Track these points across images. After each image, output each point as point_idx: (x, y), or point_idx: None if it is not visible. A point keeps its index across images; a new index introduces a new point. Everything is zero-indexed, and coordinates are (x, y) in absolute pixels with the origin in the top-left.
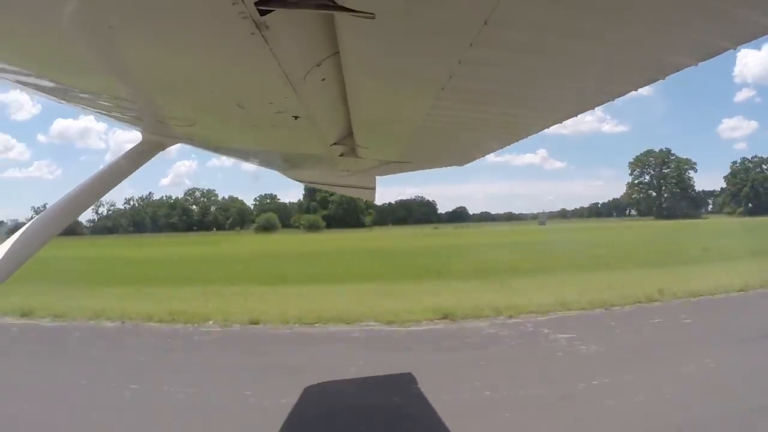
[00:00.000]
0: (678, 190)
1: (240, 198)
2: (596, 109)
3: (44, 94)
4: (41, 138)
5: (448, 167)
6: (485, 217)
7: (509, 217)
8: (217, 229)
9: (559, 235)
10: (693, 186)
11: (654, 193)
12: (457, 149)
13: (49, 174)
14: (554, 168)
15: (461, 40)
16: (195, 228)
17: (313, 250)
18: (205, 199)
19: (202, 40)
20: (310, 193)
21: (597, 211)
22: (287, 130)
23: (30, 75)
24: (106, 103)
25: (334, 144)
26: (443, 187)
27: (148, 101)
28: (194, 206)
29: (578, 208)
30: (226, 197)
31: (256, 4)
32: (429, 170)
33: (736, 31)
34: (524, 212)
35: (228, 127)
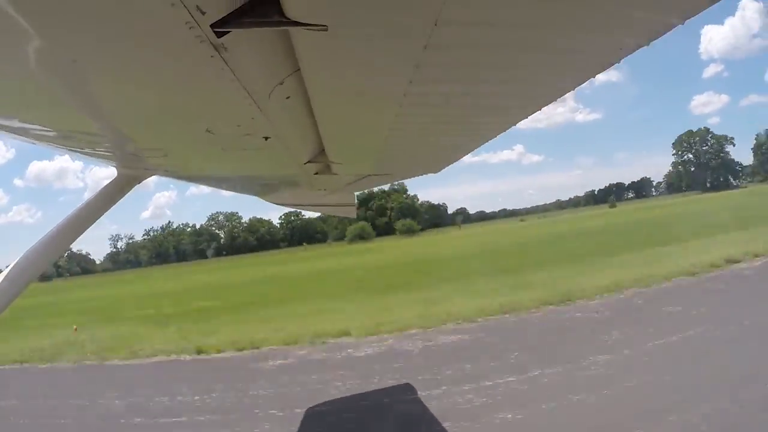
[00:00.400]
0: (717, 165)
1: (266, 218)
2: (568, 99)
3: (15, 135)
4: (18, 182)
5: (425, 175)
6: (483, 216)
7: (506, 214)
8: (248, 252)
9: (673, 209)
10: (731, 159)
11: (693, 169)
12: (429, 155)
13: (29, 218)
14: (531, 162)
15: (414, 43)
16: (225, 253)
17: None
18: (230, 223)
19: (163, 68)
20: (364, 202)
21: (594, 198)
22: (259, 152)
23: None
24: (78, 140)
25: (308, 162)
26: (424, 192)
27: (118, 135)
28: (219, 231)
29: (573, 197)
30: (249, 218)
31: (212, 26)
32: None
33: (681, 5)
34: (517, 207)
35: (200, 155)
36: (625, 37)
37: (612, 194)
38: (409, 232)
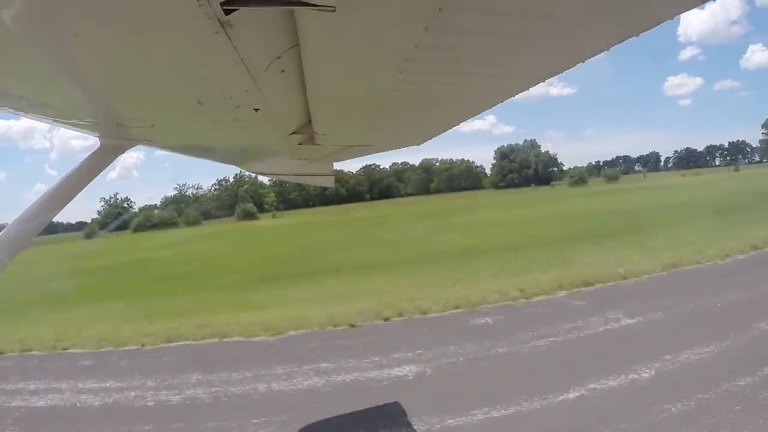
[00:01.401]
0: None
1: (346, 170)
2: None
3: None
4: None
5: (407, 147)
6: None
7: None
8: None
9: None
10: None
11: None
12: (415, 129)
13: None
14: (503, 133)
15: (417, 25)
16: (311, 203)
17: None
18: None
19: (164, 40)
20: (505, 156)
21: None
22: (247, 124)
23: None
24: (61, 110)
25: (293, 133)
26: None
27: (107, 106)
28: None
29: (572, 167)
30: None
31: (221, 4)
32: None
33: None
34: None
35: (188, 126)
36: (616, 27)
37: (619, 166)
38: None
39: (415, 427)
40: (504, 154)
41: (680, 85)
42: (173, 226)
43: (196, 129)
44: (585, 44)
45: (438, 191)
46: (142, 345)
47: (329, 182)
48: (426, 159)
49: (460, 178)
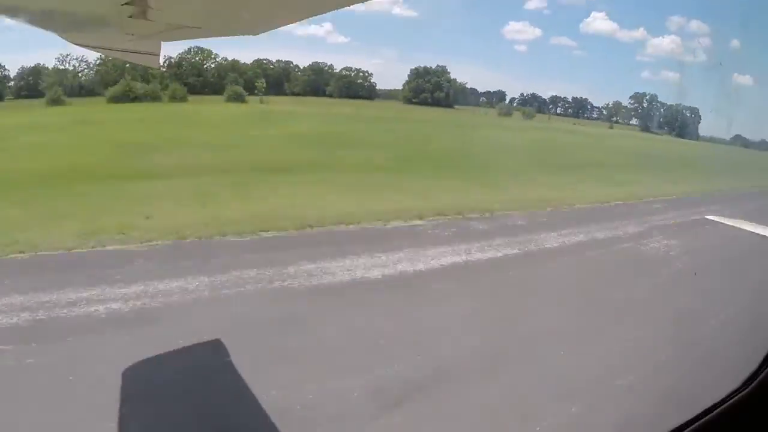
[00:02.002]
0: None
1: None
2: None
3: None
4: None
5: (240, 36)
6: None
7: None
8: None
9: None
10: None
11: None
12: (252, 17)
13: None
14: (337, 43)
15: None
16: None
17: None
18: (200, 60)
19: None
20: (419, 76)
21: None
22: None
23: None
24: None
25: (126, 4)
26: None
27: None
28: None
29: (392, 89)
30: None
31: None
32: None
33: None
34: None
35: None
36: None
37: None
38: None
39: None
40: (419, 74)
41: (520, 31)
42: (156, 100)
43: None
44: None
45: (330, 96)
46: None
47: (155, 63)
48: (316, 62)
49: (357, 87)
